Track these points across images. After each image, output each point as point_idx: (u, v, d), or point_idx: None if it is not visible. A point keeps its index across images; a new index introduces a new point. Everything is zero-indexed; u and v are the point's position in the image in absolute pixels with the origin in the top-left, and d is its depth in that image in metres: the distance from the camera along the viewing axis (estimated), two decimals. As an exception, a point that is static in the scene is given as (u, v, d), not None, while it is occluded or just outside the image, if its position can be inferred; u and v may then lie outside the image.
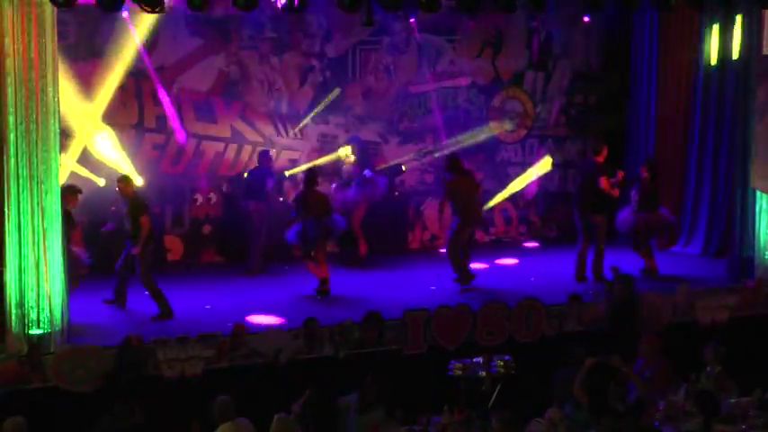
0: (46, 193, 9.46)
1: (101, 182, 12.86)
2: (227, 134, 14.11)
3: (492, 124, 15.57)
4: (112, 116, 13.25)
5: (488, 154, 15.65)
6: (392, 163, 14.83)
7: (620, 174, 12.92)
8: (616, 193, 12.73)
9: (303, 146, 14.51)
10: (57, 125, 9.59)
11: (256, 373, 9.57)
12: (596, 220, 12.67)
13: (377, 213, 14.19)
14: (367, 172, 13.95)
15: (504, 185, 15.75)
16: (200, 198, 14.01)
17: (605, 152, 12.81)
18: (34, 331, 9.48)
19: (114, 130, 13.22)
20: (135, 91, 13.46)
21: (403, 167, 14.85)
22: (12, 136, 9.33)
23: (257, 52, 14.11)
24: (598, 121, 16.16)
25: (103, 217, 12.34)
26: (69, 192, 10.63)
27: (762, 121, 12.30)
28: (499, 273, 13.46)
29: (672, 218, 13.59)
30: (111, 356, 9.22)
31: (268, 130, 14.32)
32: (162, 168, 13.74)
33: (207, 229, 14.07)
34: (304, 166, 13.97)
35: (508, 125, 15.70)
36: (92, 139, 13.03)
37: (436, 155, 15.12)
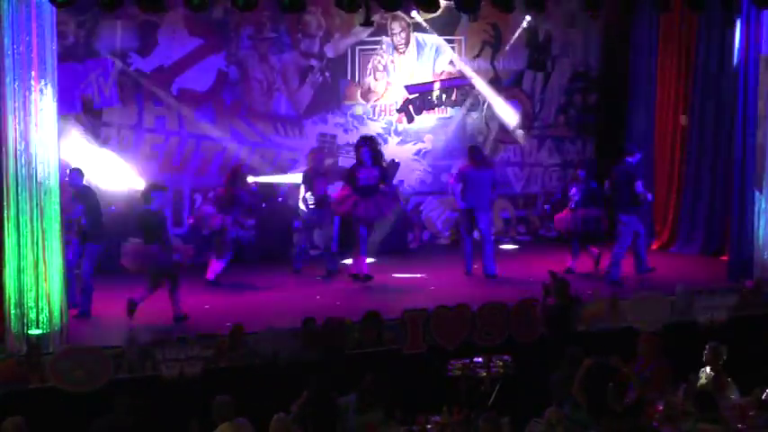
0: (45, 194, 9.44)
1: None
2: (227, 134, 14.11)
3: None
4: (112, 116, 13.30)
5: (488, 154, 15.66)
6: (386, 160, 14.65)
7: None
8: (649, 196, 12.80)
9: (303, 146, 14.52)
10: (56, 125, 9.58)
11: (256, 373, 9.56)
12: (627, 220, 12.64)
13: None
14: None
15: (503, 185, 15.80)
16: (199, 198, 14.02)
17: (639, 155, 12.86)
18: (33, 331, 9.47)
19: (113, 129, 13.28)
20: (134, 91, 13.47)
21: (395, 159, 14.74)
22: (11, 136, 9.32)
23: (257, 52, 14.12)
24: (597, 121, 16.18)
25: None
26: (153, 189, 10.88)
27: (763, 123, 12.32)
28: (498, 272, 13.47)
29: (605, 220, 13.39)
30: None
31: (268, 130, 14.33)
32: (161, 168, 13.74)
33: (207, 229, 14.04)
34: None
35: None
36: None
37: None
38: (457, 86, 15.41)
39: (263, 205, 13.76)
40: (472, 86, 15.43)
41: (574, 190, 13.25)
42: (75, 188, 10.98)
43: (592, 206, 13.09)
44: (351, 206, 12.47)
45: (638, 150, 12.99)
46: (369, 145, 12.63)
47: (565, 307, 10.32)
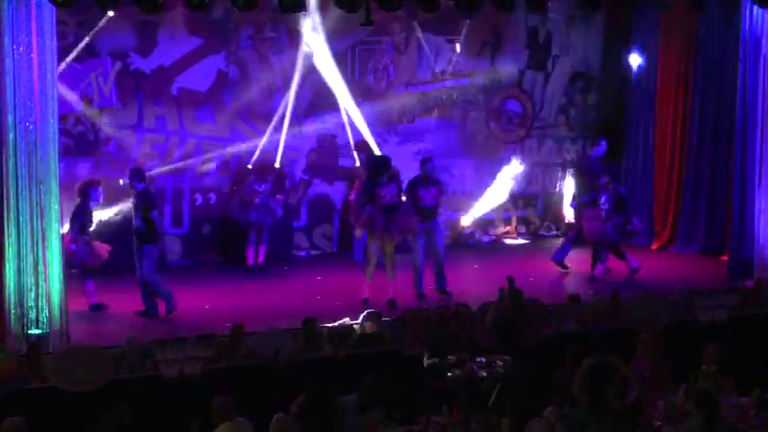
0: (45, 194, 9.45)
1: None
2: (227, 134, 14.11)
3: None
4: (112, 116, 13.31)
5: (488, 154, 15.68)
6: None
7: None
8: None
9: (302, 145, 14.52)
10: (56, 125, 9.58)
11: (256, 373, 9.57)
12: (594, 214, 12.67)
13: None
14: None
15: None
16: (199, 198, 14.02)
17: (604, 144, 12.85)
18: (33, 331, 9.48)
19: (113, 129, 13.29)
20: (134, 91, 13.48)
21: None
22: (11, 136, 9.32)
23: (257, 52, 14.11)
24: (597, 121, 16.18)
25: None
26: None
27: (763, 123, 12.32)
28: (498, 273, 13.45)
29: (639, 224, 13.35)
30: (112, 356, 9.22)
31: (268, 130, 14.32)
32: (162, 168, 13.75)
33: (207, 229, 14.08)
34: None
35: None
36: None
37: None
38: (457, 86, 15.41)
39: (284, 197, 13.93)
40: (472, 86, 15.44)
41: (603, 198, 12.84)
42: (134, 190, 11.02)
43: (622, 213, 12.83)
44: (379, 226, 11.74)
45: (603, 138, 12.92)
46: (389, 163, 12.07)
47: (514, 316, 10.17)
